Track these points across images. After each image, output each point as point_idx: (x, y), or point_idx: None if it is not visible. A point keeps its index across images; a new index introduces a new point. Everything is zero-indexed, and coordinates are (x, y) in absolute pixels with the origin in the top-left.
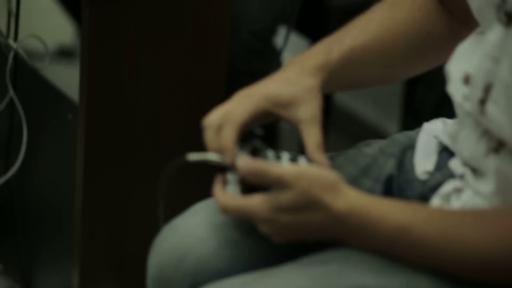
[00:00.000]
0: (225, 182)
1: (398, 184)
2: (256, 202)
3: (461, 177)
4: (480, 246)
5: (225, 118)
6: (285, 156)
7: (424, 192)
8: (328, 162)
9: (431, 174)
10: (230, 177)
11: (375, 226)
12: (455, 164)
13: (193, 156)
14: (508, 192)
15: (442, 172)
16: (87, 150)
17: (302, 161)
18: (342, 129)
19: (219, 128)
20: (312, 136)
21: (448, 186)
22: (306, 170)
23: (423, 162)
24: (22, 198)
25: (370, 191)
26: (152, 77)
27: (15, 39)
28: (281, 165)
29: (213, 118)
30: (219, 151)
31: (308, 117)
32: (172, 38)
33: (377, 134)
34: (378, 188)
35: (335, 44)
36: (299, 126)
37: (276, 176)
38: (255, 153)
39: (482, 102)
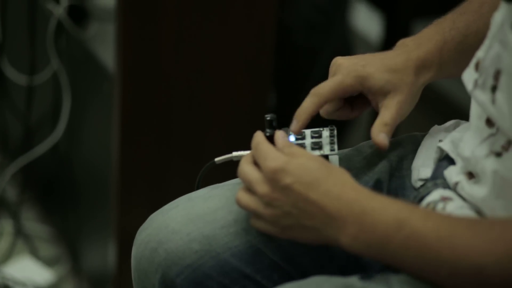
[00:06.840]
0: None
1: (388, 189)
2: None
3: (455, 184)
4: (472, 253)
5: (314, 89)
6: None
7: (414, 202)
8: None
9: (425, 182)
10: None
11: (372, 216)
12: (450, 173)
13: (219, 159)
14: (504, 195)
15: (435, 182)
16: (123, 123)
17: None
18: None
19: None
20: (383, 115)
21: (435, 195)
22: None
23: (421, 169)
24: (70, 168)
25: None
26: (192, 52)
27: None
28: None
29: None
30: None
31: (389, 103)
32: (214, 10)
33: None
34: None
35: (447, 31)
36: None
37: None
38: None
39: (494, 88)
